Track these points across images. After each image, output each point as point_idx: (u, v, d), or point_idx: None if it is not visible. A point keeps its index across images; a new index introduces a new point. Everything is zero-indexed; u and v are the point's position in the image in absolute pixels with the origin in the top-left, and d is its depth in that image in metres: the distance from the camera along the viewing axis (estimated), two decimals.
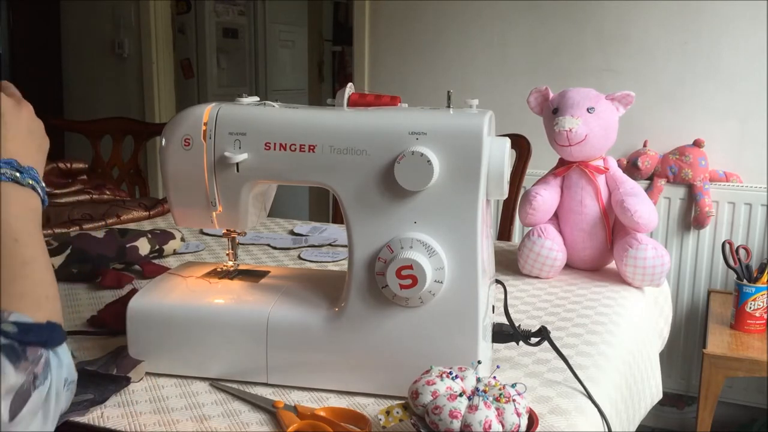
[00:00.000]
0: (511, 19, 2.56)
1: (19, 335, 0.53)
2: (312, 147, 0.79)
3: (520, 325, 0.87)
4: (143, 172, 2.23)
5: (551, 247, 1.22)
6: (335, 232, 1.54)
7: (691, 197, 2.32)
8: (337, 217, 1.86)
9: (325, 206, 4.23)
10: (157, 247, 1.28)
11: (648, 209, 1.18)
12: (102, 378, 0.77)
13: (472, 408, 0.64)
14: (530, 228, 1.26)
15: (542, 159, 1.66)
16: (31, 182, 0.66)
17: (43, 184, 0.69)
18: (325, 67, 4.91)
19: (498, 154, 0.77)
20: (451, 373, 0.69)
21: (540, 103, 1.30)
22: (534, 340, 0.85)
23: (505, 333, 0.85)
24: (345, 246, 1.35)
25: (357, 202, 0.78)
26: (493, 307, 0.87)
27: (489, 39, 2.61)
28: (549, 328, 0.90)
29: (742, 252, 1.95)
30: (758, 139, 2.30)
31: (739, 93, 2.31)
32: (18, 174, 0.65)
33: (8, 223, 0.61)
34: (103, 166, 2.16)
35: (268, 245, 1.43)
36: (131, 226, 1.56)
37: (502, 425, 0.64)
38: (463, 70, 2.66)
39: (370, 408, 0.76)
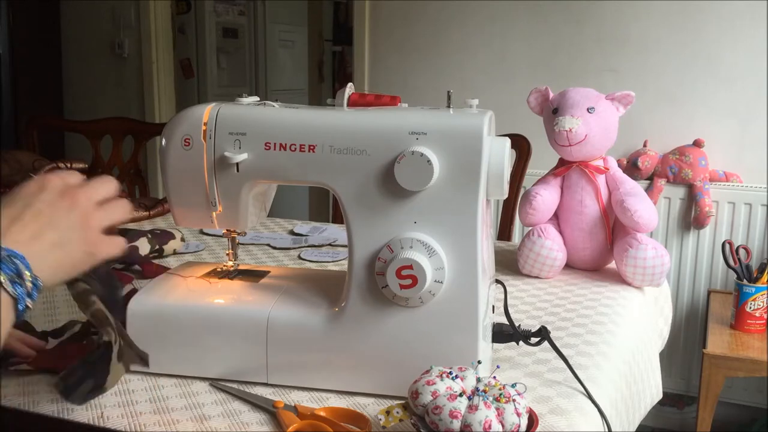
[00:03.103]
0: (511, 19, 2.56)
1: None
2: (312, 147, 0.79)
3: (520, 325, 0.87)
4: (143, 172, 2.23)
5: (551, 247, 1.22)
6: (335, 232, 1.54)
7: (691, 197, 2.32)
8: (337, 217, 1.86)
9: (325, 206, 4.23)
10: (157, 247, 1.28)
11: (648, 209, 1.18)
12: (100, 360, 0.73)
13: (472, 408, 0.64)
14: (530, 228, 1.26)
15: (542, 159, 1.66)
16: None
17: (33, 279, 0.55)
18: (325, 67, 4.91)
19: (498, 154, 0.77)
20: (451, 373, 0.69)
21: (540, 103, 1.30)
22: (534, 340, 0.85)
23: (505, 333, 0.85)
24: (345, 246, 1.35)
25: (357, 202, 0.78)
26: (493, 307, 0.87)
27: (489, 39, 2.61)
28: (549, 328, 0.90)
29: (742, 252, 1.95)
30: (758, 139, 2.30)
31: (739, 93, 2.31)
32: None
33: None
34: (103, 166, 2.16)
35: (268, 245, 1.43)
36: (131, 226, 1.56)
37: (502, 425, 0.64)
38: (463, 70, 2.66)
39: (370, 408, 0.76)
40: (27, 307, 0.55)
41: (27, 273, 0.55)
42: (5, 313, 0.54)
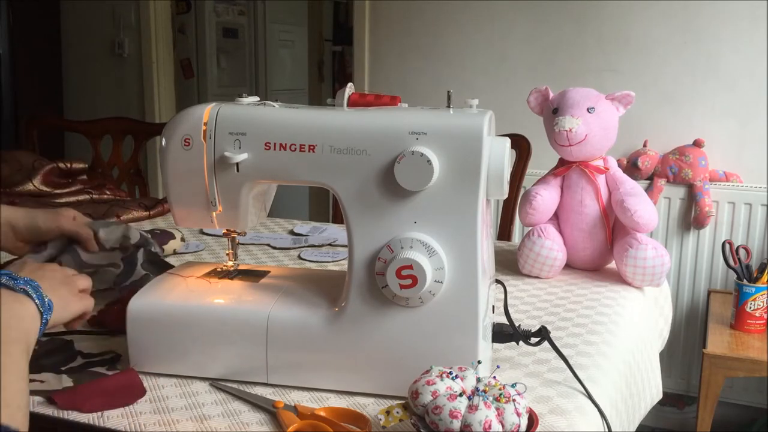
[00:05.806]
0: (511, 19, 2.56)
1: None
2: (312, 147, 0.79)
3: (520, 325, 0.87)
4: (143, 172, 2.23)
5: (551, 247, 1.22)
6: (335, 232, 1.54)
7: (691, 197, 2.32)
8: (337, 217, 1.86)
9: (325, 206, 4.23)
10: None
11: (648, 209, 1.18)
12: None
13: (472, 408, 0.64)
14: (530, 228, 1.26)
15: (542, 159, 1.66)
16: (25, 288, 0.68)
17: (48, 299, 0.70)
18: (325, 67, 4.91)
19: (498, 154, 0.77)
20: (451, 373, 0.69)
21: (540, 103, 1.30)
22: (534, 340, 0.85)
23: (505, 333, 0.85)
24: (345, 246, 1.35)
25: (357, 202, 0.78)
26: (493, 307, 0.87)
27: (489, 39, 2.61)
28: (549, 328, 0.90)
29: (742, 252, 1.95)
30: (758, 139, 2.30)
31: (739, 93, 2.31)
32: (12, 281, 0.68)
33: None
34: (103, 166, 2.16)
35: (268, 245, 1.43)
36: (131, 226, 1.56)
37: (502, 425, 0.64)
38: (463, 70, 2.66)
39: (370, 408, 0.76)
40: (47, 321, 0.70)
41: (45, 298, 0.71)
42: (34, 322, 0.68)
